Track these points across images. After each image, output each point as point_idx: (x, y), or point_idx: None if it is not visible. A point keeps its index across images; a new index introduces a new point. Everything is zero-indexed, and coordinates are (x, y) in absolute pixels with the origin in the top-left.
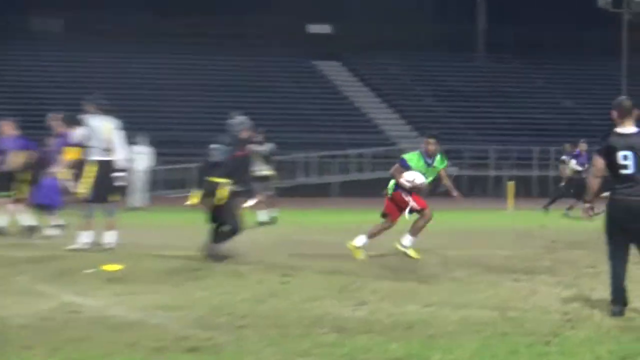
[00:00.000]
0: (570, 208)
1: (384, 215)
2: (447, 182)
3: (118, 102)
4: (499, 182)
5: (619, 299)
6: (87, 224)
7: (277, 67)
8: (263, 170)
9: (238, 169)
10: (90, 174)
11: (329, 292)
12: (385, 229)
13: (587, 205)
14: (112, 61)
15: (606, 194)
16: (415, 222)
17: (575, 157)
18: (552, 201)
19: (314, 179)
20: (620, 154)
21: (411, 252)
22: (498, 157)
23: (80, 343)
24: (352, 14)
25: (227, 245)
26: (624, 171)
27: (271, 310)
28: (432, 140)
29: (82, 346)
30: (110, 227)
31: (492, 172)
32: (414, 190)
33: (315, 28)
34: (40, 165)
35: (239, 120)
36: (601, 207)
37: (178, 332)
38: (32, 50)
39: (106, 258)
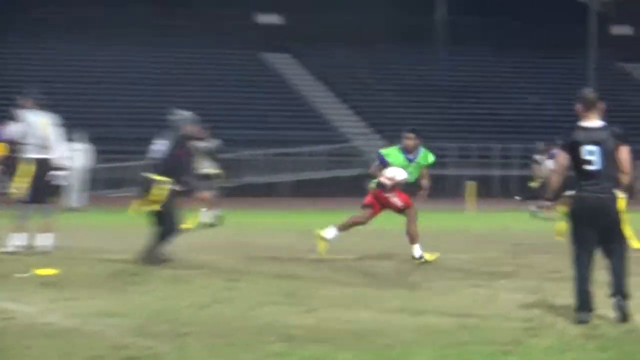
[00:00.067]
0: (540, 207)
1: (364, 207)
2: (424, 182)
3: (54, 97)
4: (458, 181)
5: (584, 306)
6: (20, 226)
7: (225, 59)
8: (208, 168)
9: (179, 167)
10: (26, 172)
11: (277, 298)
12: (358, 223)
13: (547, 203)
14: (44, 53)
15: (570, 192)
16: (407, 230)
17: (552, 157)
18: (529, 198)
19: (263, 178)
20: (585, 148)
21: (428, 257)
22: (458, 155)
23: (13, 352)
24: (304, 3)
25: (166, 248)
26: (589, 167)
27: (215, 318)
28: (410, 135)
29: (15, 355)
30: (46, 229)
31: (451, 171)
32: (396, 187)
33: (264, 18)
34: None
35: (181, 115)
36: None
37: (116, 340)
38: None
39: (41, 262)
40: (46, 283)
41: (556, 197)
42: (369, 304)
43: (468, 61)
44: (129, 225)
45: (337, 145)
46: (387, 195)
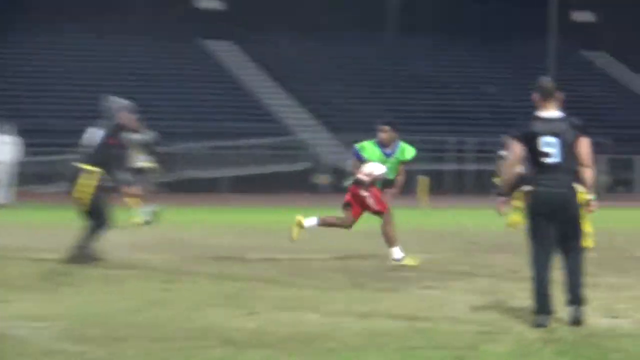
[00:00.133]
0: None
1: (344, 205)
2: (399, 178)
3: None
4: (410, 176)
5: (542, 308)
6: None
7: (162, 46)
8: (143, 162)
9: (111, 158)
10: None
11: (217, 300)
12: (340, 225)
13: (501, 199)
14: None
15: (526, 187)
16: (382, 232)
17: None
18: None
19: (202, 173)
20: (543, 140)
21: (408, 261)
22: None
23: None
24: None
25: (96, 246)
26: (547, 160)
27: (151, 321)
28: (385, 128)
29: None
30: None
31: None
32: (374, 183)
33: (204, 3)
34: None
35: (117, 103)
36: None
37: (45, 345)
38: None
39: None
40: None
41: (511, 192)
42: (315, 306)
43: (419, 49)
44: (59, 222)
45: (281, 138)
46: (364, 194)
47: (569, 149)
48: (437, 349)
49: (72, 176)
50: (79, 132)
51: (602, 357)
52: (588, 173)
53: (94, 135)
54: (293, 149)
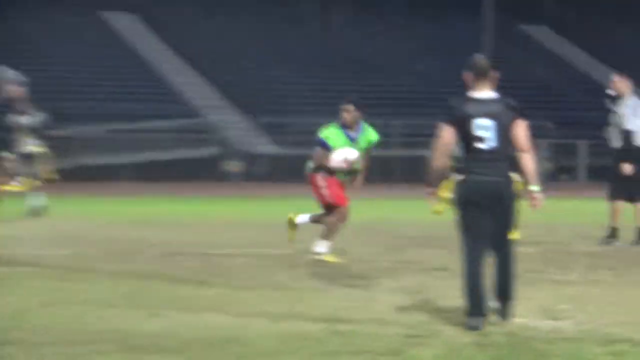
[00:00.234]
0: None
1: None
2: (363, 164)
3: None
4: None
5: (475, 309)
6: None
7: (56, 20)
8: (31, 146)
9: None
10: None
11: (116, 301)
12: (339, 220)
13: (429, 190)
14: None
15: (458, 176)
16: (327, 223)
17: None
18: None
19: (100, 159)
20: (477, 123)
21: (329, 258)
22: None
23: None
24: None
25: None
26: (480, 145)
27: (43, 323)
28: (349, 107)
29: None
30: None
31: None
32: (332, 174)
33: None
34: None
35: (4, 74)
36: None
37: None
38: None
39: None
40: None
41: (439, 181)
42: (224, 307)
43: (343, 26)
44: None
45: (187, 121)
46: (319, 184)
47: (505, 133)
48: (357, 354)
49: None
50: None
51: None
52: (527, 159)
53: None
54: (200, 132)
